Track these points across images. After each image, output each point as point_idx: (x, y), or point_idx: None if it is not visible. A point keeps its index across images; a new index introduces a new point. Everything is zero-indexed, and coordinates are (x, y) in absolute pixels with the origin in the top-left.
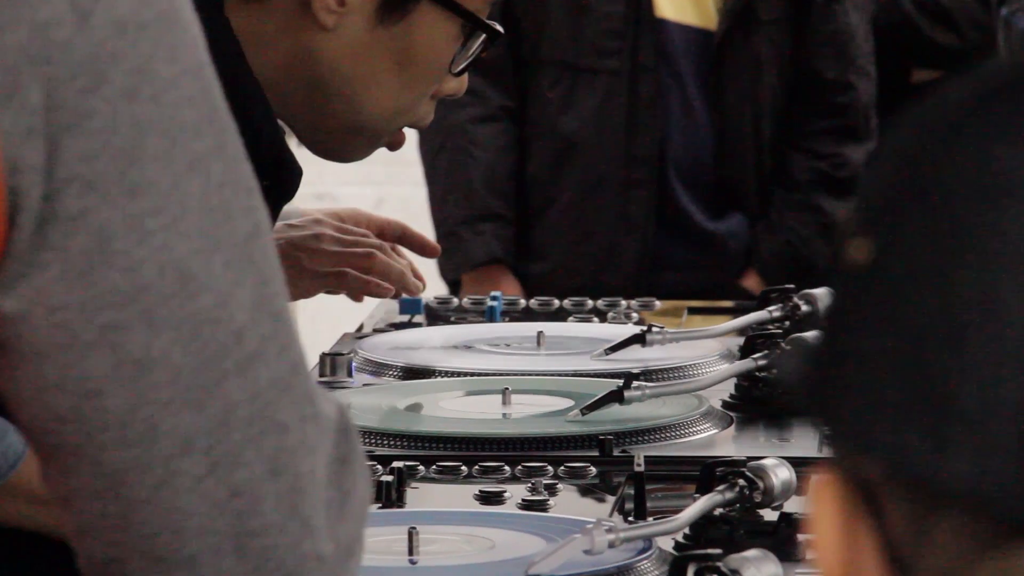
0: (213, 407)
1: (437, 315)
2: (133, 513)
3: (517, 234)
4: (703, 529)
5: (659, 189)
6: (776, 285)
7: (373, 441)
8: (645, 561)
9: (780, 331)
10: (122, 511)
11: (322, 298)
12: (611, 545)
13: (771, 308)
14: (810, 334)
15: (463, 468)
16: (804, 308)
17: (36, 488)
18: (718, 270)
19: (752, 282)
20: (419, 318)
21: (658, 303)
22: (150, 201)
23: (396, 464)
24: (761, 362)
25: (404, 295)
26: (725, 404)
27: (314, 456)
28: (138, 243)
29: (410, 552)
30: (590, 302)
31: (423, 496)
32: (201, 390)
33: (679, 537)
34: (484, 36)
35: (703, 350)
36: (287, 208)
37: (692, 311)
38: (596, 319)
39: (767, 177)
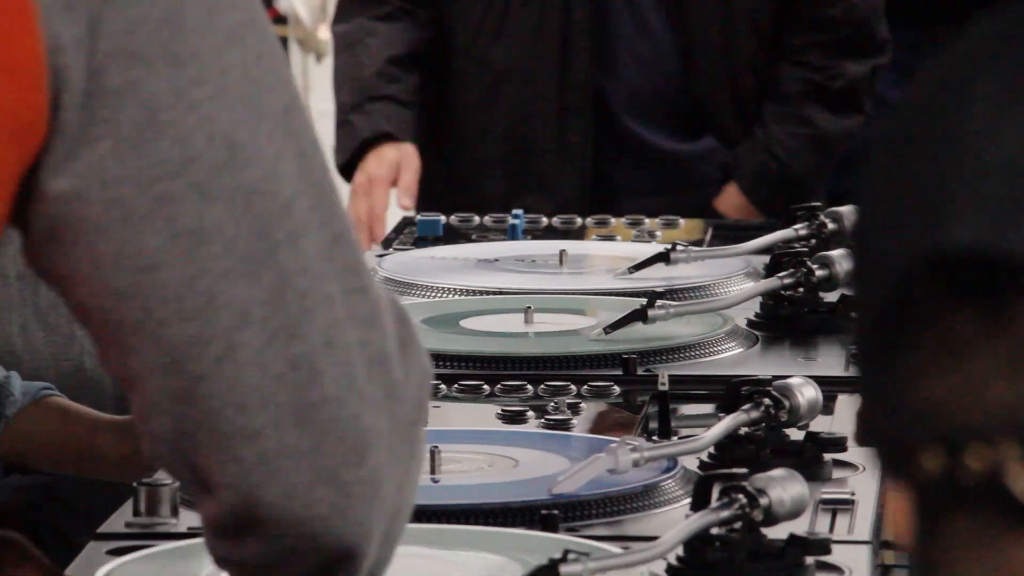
0: (268, 278)
1: (458, 233)
2: (197, 388)
3: (449, 164)
4: (728, 448)
5: (600, 114)
6: (759, 203)
7: None
8: (669, 480)
9: (806, 249)
10: (186, 387)
11: None
12: (635, 464)
13: (797, 226)
14: (837, 252)
15: (485, 387)
16: (831, 226)
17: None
18: (686, 194)
19: (728, 204)
20: (439, 237)
21: (682, 221)
22: (194, 71)
23: None
24: (787, 280)
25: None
26: (750, 323)
27: (368, 330)
28: (186, 113)
29: (432, 471)
30: (613, 220)
31: (445, 415)
32: (255, 261)
33: (704, 456)
34: None
35: (728, 268)
36: None
37: (717, 229)
38: (619, 237)
39: (747, 97)
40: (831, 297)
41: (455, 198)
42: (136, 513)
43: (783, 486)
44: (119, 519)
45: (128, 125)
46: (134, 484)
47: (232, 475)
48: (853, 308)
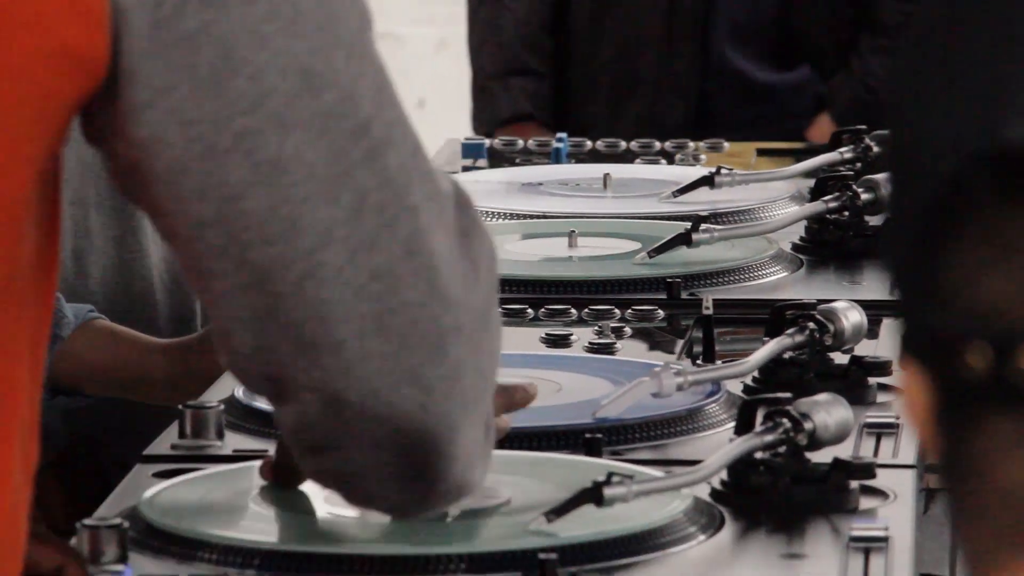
0: (347, 198)
1: (502, 157)
2: (279, 306)
3: (556, 88)
4: (772, 372)
5: (706, 44)
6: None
7: None
8: (713, 404)
9: (852, 173)
10: (268, 306)
11: None
12: (679, 388)
13: (843, 149)
14: (882, 176)
15: (529, 311)
16: (876, 149)
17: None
18: (779, 125)
19: (820, 134)
20: (483, 161)
21: (726, 144)
22: (265, 6)
23: None
24: (832, 204)
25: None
26: (795, 247)
27: (442, 232)
28: (259, 49)
29: None
30: (657, 144)
31: None
32: (335, 183)
33: (748, 381)
34: None
35: (773, 192)
36: None
37: (761, 153)
38: (663, 161)
39: (845, 28)
40: (876, 221)
41: (559, 123)
42: (182, 435)
43: (827, 410)
44: (165, 442)
45: (204, 68)
46: (180, 407)
47: (315, 381)
48: (891, 203)
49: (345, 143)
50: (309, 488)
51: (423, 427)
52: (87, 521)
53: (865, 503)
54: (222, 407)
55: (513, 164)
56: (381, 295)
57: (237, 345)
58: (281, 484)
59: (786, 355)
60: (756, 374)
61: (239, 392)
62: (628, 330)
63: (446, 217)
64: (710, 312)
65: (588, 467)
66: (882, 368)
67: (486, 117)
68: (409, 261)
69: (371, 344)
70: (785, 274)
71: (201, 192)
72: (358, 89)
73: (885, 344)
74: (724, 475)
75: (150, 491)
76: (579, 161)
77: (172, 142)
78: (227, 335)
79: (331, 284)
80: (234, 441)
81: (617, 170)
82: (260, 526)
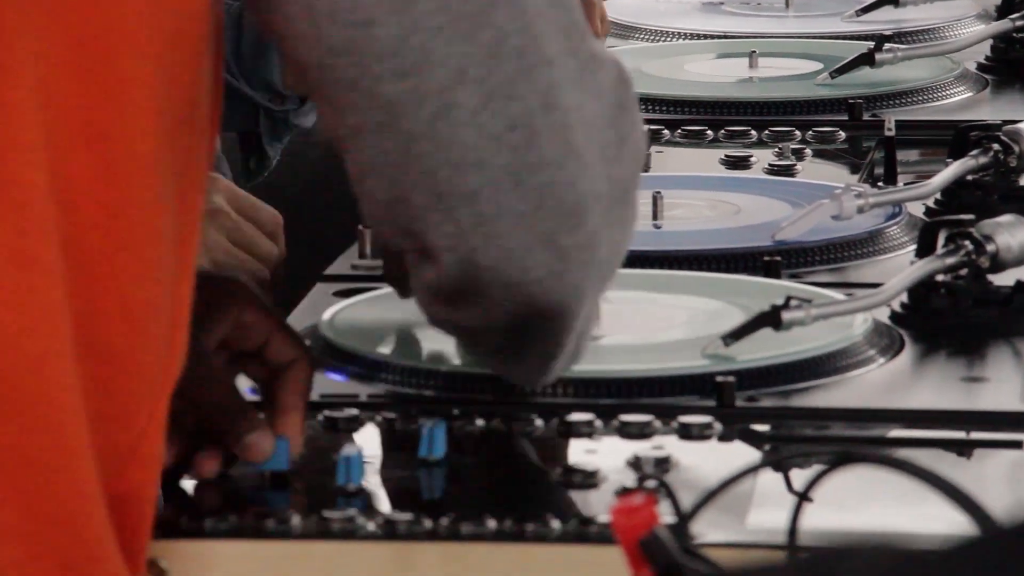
0: (483, 36)
1: None
2: (412, 147)
3: None
4: (955, 194)
5: None
6: None
7: None
8: (895, 227)
9: None
10: (401, 146)
11: None
12: (860, 210)
13: None
14: None
15: (709, 132)
16: None
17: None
18: None
19: None
20: None
21: None
22: None
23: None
24: (1019, 22)
25: None
26: (980, 66)
27: (585, 93)
28: None
29: (654, 216)
30: None
31: (668, 160)
32: (471, 18)
33: (930, 203)
34: None
35: (958, 10)
36: None
37: None
38: None
39: None
40: None
41: None
42: (362, 255)
43: (1011, 232)
44: (345, 262)
45: None
46: (359, 227)
47: (450, 237)
48: None
49: None
50: None
51: (554, 296)
52: None
53: None
54: None
55: None
56: (517, 147)
57: (371, 191)
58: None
59: (969, 177)
60: (938, 196)
61: None
62: (809, 152)
63: (595, 81)
64: (892, 133)
65: (767, 290)
66: None
67: None
68: (547, 115)
69: (506, 200)
70: (969, 94)
71: (333, 15)
72: None
73: None
74: (904, 298)
75: (330, 310)
76: None
77: None
78: (362, 181)
79: (465, 127)
80: None
81: None
82: (437, 346)
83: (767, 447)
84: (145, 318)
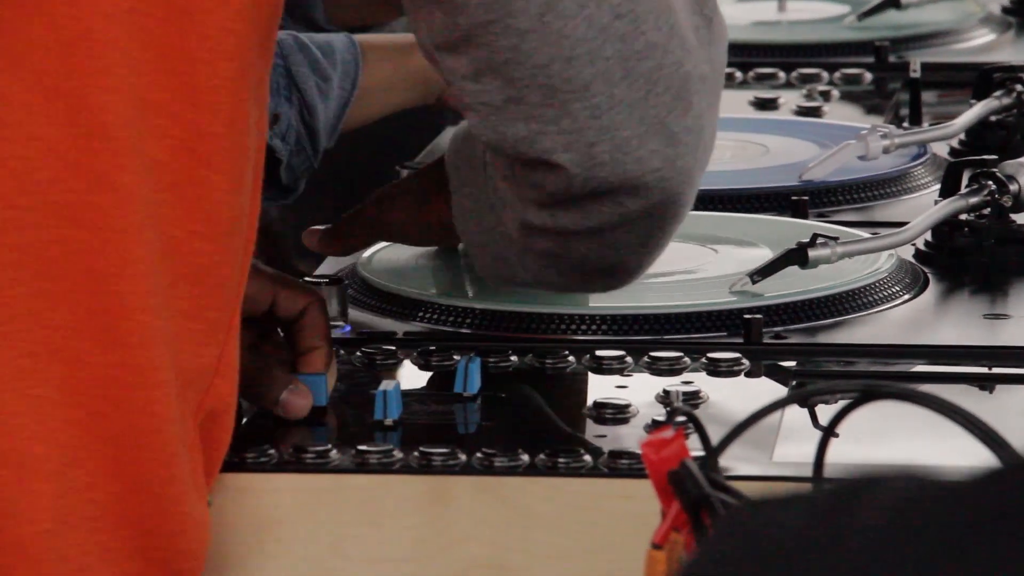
0: None
1: None
2: (523, 44)
3: None
4: (979, 135)
5: None
6: None
7: None
8: (919, 167)
9: None
10: (513, 43)
11: None
12: (885, 151)
13: None
14: None
15: (738, 74)
16: None
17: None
18: None
19: None
20: None
21: None
22: None
23: None
24: None
25: None
26: (1004, 9)
27: None
28: None
29: None
30: None
31: None
32: None
33: (954, 143)
34: None
35: None
36: None
37: None
38: None
39: None
40: None
41: None
42: None
43: None
44: None
45: None
46: (397, 167)
47: (567, 133)
48: None
49: None
50: None
51: (669, 185)
52: (307, 279)
53: None
54: None
55: None
56: (624, 35)
57: (486, 95)
58: (332, 252)
59: (993, 118)
60: (962, 136)
61: None
62: (836, 93)
63: None
64: (917, 75)
65: (794, 228)
66: None
67: None
68: (649, 1)
69: (618, 90)
70: (993, 36)
71: None
72: None
73: None
74: (929, 236)
75: (368, 251)
76: None
77: None
78: (476, 81)
79: (573, 20)
80: None
81: None
82: (474, 286)
83: (793, 382)
84: (230, 234)
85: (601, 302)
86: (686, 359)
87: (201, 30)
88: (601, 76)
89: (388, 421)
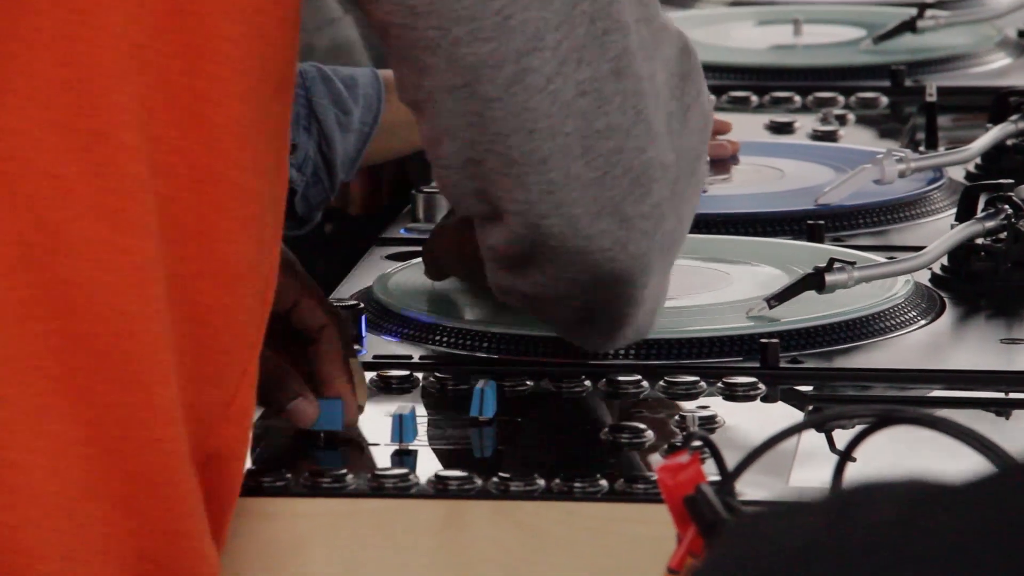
0: (559, 1)
1: None
2: (488, 112)
3: None
4: (995, 159)
5: None
6: None
7: None
8: (936, 191)
9: None
10: (477, 109)
11: None
12: (901, 175)
13: None
14: None
15: (754, 98)
16: None
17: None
18: None
19: None
20: None
21: None
22: None
23: None
24: None
25: None
26: (1021, 33)
27: (654, 62)
28: None
29: None
30: None
31: None
32: None
33: (970, 167)
34: None
35: None
36: None
37: None
38: None
39: None
40: None
41: None
42: (414, 219)
43: None
44: (397, 225)
45: None
46: (412, 191)
47: (519, 203)
48: None
49: None
50: None
51: (619, 266)
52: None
53: None
54: None
55: None
56: (587, 113)
57: (446, 154)
58: (429, 276)
59: (1009, 141)
60: (979, 160)
61: None
62: (852, 117)
63: (663, 50)
64: (934, 99)
65: (810, 253)
66: None
67: None
68: (617, 81)
69: (575, 167)
70: (1010, 60)
71: None
72: None
73: None
74: (945, 261)
75: (383, 273)
76: None
77: None
78: (436, 144)
79: (539, 94)
80: None
81: None
82: (489, 309)
83: (810, 407)
84: (240, 278)
85: None
86: (702, 383)
87: (211, 70)
88: (560, 151)
89: (404, 445)
